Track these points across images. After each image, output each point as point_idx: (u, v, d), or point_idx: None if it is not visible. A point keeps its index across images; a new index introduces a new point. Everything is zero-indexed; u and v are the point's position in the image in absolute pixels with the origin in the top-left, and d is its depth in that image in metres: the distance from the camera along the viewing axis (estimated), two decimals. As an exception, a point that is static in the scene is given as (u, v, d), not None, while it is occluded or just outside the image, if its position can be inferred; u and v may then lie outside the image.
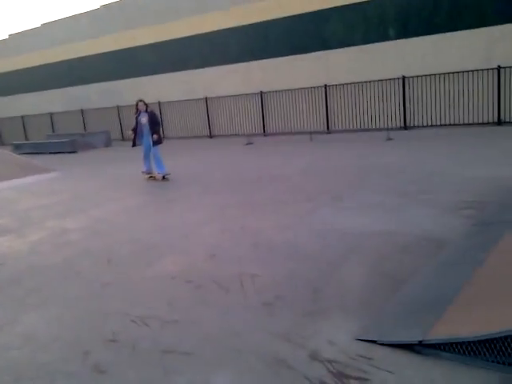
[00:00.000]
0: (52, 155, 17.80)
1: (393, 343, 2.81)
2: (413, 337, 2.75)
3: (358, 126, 14.72)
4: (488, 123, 12.67)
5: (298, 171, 8.98)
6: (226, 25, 17.17)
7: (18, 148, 19.72)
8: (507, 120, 12.45)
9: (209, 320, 3.36)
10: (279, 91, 16.36)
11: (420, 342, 2.70)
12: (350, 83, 14.78)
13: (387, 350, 2.79)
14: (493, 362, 2.48)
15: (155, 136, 9.13)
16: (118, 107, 20.81)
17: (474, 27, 12.67)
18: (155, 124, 9.31)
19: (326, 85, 15.24)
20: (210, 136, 18.47)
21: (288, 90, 16.13)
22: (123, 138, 20.63)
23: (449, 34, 13.07)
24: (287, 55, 16.08)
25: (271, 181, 8.29)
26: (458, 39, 12.95)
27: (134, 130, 9.41)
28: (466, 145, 10.06)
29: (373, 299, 3.41)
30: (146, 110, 9.27)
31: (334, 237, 4.91)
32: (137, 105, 9.36)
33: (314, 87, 15.54)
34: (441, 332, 2.70)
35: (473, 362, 2.54)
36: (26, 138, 25.20)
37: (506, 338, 2.42)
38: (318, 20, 15.16)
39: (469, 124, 12.93)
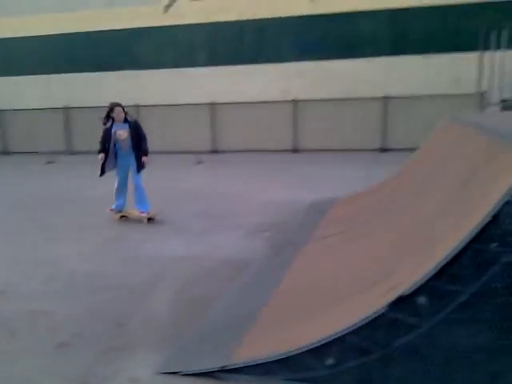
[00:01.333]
0: None
1: (196, 372, 2.78)
2: (215, 364, 2.77)
3: (169, 149, 14.80)
4: (287, 150, 14.02)
5: (105, 194, 8.53)
6: (24, 33, 15.66)
7: None
8: (301, 148, 13.96)
9: (-12, 372, 2.88)
10: (87, 108, 15.48)
11: (222, 367, 2.73)
12: (162, 105, 14.82)
13: (191, 380, 2.75)
14: (289, 379, 2.64)
15: (144, 159, 6.46)
16: None
17: (274, 62, 13.98)
18: (141, 139, 6.46)
19: (136, 105, 14.99)
20: (5, 152, 16.45)
21: (95, 107, 15.37)
22: None
23: (252, 66, 14.16)
24: (94, 71, 15.38)
25: (62, 204, 7.72)
26: (261, 71, 14.12)
27: (103, 150, 6.41)
28: (271, 169, 10.92)
29: (178, 328, 3.36)
30: (126, 120, 6.37)
31: (141, 264, 4.75)
32: (110, 111, 6.30)
33: (125, 106, 15.11)
34: (242, 355, 2.78)
35: (270, 381, 2.66)
36: None
37: (299, 355, 2.60)
38: (129, 38, 14.90)
39: (269, 150, 14.08)
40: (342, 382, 2.53)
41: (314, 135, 13.94)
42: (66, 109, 15.67)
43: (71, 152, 15.50)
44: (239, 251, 5.06)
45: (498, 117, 5.23)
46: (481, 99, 8.02)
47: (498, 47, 6.64)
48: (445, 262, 2.30)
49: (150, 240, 5.59)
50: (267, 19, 13.78)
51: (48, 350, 3.13)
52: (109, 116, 6.31)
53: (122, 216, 6.64)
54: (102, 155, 6.39)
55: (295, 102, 13.83)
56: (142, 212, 6.42)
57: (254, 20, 13.89)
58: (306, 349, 2.56)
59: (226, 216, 6.62)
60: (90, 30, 15.17)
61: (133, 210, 6.60)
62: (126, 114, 6.39)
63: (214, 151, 14.65)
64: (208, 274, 4.40)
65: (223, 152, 14.59)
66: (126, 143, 6.34)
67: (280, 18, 13.70)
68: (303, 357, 2.59)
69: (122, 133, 6.30)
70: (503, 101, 7.62)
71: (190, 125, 14.81)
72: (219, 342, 3.05)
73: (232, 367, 2.72)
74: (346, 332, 2.47)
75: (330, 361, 2.53)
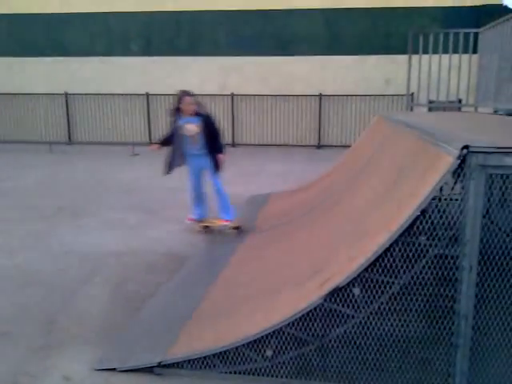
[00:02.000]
0: None
1: (133, 368, 2.74)
2: (152, 359, 2.73)
3: (104, 139, 14.29)
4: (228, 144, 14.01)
5: (32, 185, 8.11)
6: None
7: None
8: (238, 142, 14.01)
9: None
10: (11, 94, 14.59)
11: (159, 363, 2.70)
12: (95, 94, 14.26)
13: (128, 376, 2.70)
14: (226, 372, 2.66)
15: (221, 157, 5.33)
16: None
17: (210, 55, 13.87)
18: (215, 135, 5.31)
19: (66, 93, 14.33)
20: None
21: (22, 94, 14.54)
22: None
23: (189, 58, 13.97)
24: (19, 56, 14.49)
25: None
26: (198, 64, 13.96)
27: (167, 142, 5.46)
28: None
29: (114, 325, 3.28)
30: (198, 113, 5.24)
31: (74, 259, 4.58)
32: (179, 102, 5.20)
33: (54, 94, 14.42)
34: (179, 350, 2.76)
35: (209, 375, 2.67)
36: None
37: (236, 348, 2.62)
38: (57, 23, 14.17)
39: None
40: (281, 373, 2.59)
41: (251, 130, 14.03)
42: (-11, 94, 14.68)
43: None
44: (177, 246, 5.00)
45: (425, 116, 5.54)
46: (410, 100, 8.45)
47: (425, 51, 7.03)
48: (377, 254, 2.41)
49: (83, 234, 5.38)
50: (204, 11, 13.64)
51: (-29, 352, 2.95)
52: (178, 108, 5.21)
53: (205, 226, 5.51)
54: (156, 146, 5.54)
55: (233, 96, 13.83)
56: (227, 220, 5.43)
57: (191, 11, 13.69)
58: (245, 342, 2.60)
59: (162, 210, 6.52)
60: (15, 13, 14.28)
61: (215, 219, 5.54)
62: (197, 105, 5.27)
63: (151, 143, 14.32)
64: (145, 270, 4.32)
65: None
66: (196, 140, 5.22)
67: (217, 12, 13.62)
68: (242, 349, 2.62)
69: (191, 127, 5.19)
70: (430, 102, 8.07)
71: (125, 115, 14.38)
72: (156, 337, 3.01)
73: (170, 362, 2.70)
74: (284, 324, 2.53)
75: (268, 352, 2.58)
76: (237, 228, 5.34)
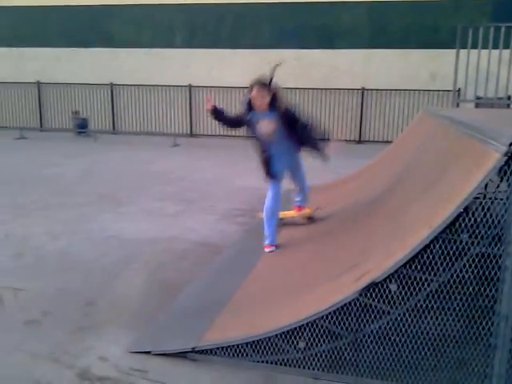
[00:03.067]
0: None
1: (167, 352, 2.79)
2: (186, 344, 2.78)
3: (147, 129, 14.59)
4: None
5: (77, 173, 8.38)
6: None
7: None
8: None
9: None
10: (59, 84, 15.08)
11: (193, 348, 2.75)
12: (138, 85, 14.56)
13: (162, 360, 2.76)
14: (258, 361, 2.68)
15: (330, 144, 4.29)
16: None
17: (253, 48, 13.87)
18: (302, 129, 4.22)
19: (111, 83, 14.69)
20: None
21: (68, 83, 15.00)
22: None
23: (231, 51, 14.02)
24: (67, 47, 14.94)
25: (40, 182, 7.53)
26: (240, 56, 14.00)
27: (221, 117, 4.41)
28: (248, 155, 10.86)
29: (149, 310, 3.35)
30: (275, 106, 4.21)
31: (112, 244, 4.70)
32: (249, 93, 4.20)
33: (99, 84, 14.82)
34: (213, 337, 2.79)
35: (240, 363, 2.69)
36: None
37: (268, 338, 2.63)
38: (104, 15, 14.51)
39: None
40: (313, 365, 2.58)
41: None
42: (38, 84, 15.23)
43: (43, 128, 15.09)
44: (213, 235, 5.05)
45: (472, 112, 5.36)
46: (456, 96, 8.19)
47: (474, 45, 6.77)
48: (416, 250, 2.36)
49: (123, 221, 5.52)
50: (247, 4, 13.64)
51: (17, 327, 3.08)
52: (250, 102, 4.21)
53: (281, 218, 4.82)
54: (210, 104, 4.28)
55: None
56: (300, 207, 4.95)
57: (234, 4, 13.71)
58: (278, 332, 2.60)
59: (199, 200, 6.59)
60: (65, 4, 14.72)
61: (288, 211, 5.08)
62: (273, 97, 4.23)
63: (191, 135, 14.51)
64: (180, 257, 4.39)
65: (200, 136, 14.46)
66: (273, 139, 4.20)
67: (260, 4, 13.58)
68: (274, 340, 2.63)
69: (265, 124, 4.16)
70: (478, 98, 7.80)
71: (167, 107, 14.61)
72: (190, 324, 3.05)
73: (203, 348, 2.74)
74: (318, 316, 2.51)
75: (301, 344, 2.58)
76: (311, 218, 4.90)
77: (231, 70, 14.07)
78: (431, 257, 2.35)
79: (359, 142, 13.39)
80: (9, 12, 15.14)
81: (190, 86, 14.26)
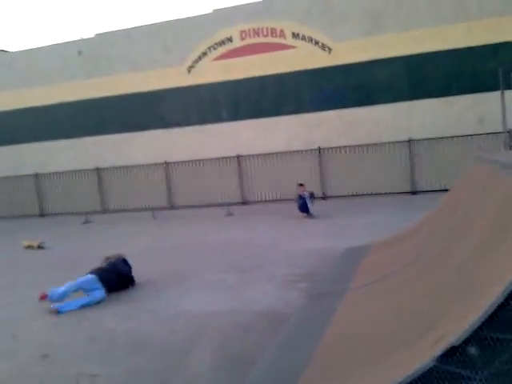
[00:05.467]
0: None
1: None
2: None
3: (200, 202, 15.06)
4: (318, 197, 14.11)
5: (139, 251, 8.69)
6: (57, 99, 16.59)
7: None
8: (329, 194, 14.01)
9: None
10: (118, 167, 16.05)
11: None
12: (190, 160, 15.24)
13: None
14: None
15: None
16: None
17: (295, 113, 14.33)
18: None
19: (166, 161, 15.47)
20: (42, 214, 17.02)
21: (126, 166, 15.94)
22: None
23: (275, 118, 14.54)
24: (123, 132, 16.04)
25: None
26: (284, 123, 14.46)
27: None
28: (299, 218, 10.94)
29: (222, 387, 3.34)
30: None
31: (179, 321, 4.78)
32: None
33: (154, 164, 15.64)
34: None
35: None
36: None
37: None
38: (155, 99, 15.57)
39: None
40: None
41: (340, 182, 14.01)
42: (98, 170, 16.27)
43: (105, 211, 15.91)
44: (275, 304, 5.04)
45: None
46: (507, 138, 8.01)
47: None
48: (492, 309, 2.27)
49: (185, 296, 5.62)
50: (287, 73, 14.26)
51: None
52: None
53: None
54: None
55: (320, 150, 14.03)
56: None
57: (274, 75, 14.37)
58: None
59: (259, 268, 6.63)
60: (118, 94, 15.94)
61: None
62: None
63: (243, 202, 14.83)
64: (246, 329, 4.39)
65: (252, 203, 14.74)
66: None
67: (299, 72, 14.16)
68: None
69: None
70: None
71: (218, 178, 15.12)
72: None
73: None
74: (396, 386, 2.42)
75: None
76: None
77: (275, 136, 14.52)
78: (509, 315, 2.25)
79: (414, 193, 13.20)
80: (69, 107, 16.54)
81: (238, 156, 14.76)
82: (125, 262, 6.33)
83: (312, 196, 10.92)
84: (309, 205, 10.76)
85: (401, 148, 13.35)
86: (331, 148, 13.98)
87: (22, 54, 17.21)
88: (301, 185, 11.30)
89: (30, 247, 10.31)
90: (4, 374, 3.87)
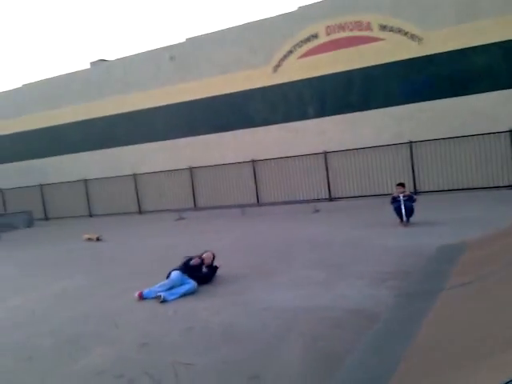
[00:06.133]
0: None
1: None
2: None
3: (286, 199, 15.20)
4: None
5: (229, 246, 8.99)
6: (151, 104, 17.60)
7: None
8: (422, 189, 13.45)
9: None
10: (208, 166, 16.70)
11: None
12: (277, 158, 15.43)
13: None
14: None
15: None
16: (40, 186, 20.11)
17: (384, 107, 13.93)
18: None
19: (253, 160, 15.79)
20: (140, 212, 18.19)
21: (217, 165, 16.53)
22: (46, 218, 19.89)
23: (361, 113, 14.24)
24: (213, 133, 16.63)
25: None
26: (371, 117, 14.12)
27: None
28: (390, 214, 10.63)
29: (313, 383, 3.39)
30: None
31: (268, 315, 4.89)
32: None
33: (242, 162, 16.04)
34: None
35: None
36: None
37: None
38: (242, 99, 15.95)
39: (387, 194, 13.78)
40: None
41: (433, 176, 13.40)
42: (191, 169, 17.03)
43: (197, 208, 16.63)
44: (364, 301, 4.97)
45: None
46: None
47: None
48: None
49: (274, 291, 5.73)
50: (374, 66, 13.90)
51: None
52: None
53: None
54: None
55: (411, 143, 13.51)
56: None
57: (361, 68, 14.08)
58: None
59: (346, 264, 6.56)
60: (207, 96, 16.55)
61: None
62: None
63: (330, 199, 14.72)
64: (335, 326, 4.39)
65: (339, 199, 14.59)
66: None
67: (387, 64, 13.73)
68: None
69: None
70: None
71: (305, 175, 15.15)
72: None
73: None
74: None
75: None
76: None
77: (363, 131, 14.22)
78: None
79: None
80: (162, 110, 17.48)
81: (325, 153, 14.66)
82: (202, 264, 6.49)
83: (410, 199, 9.10)
84: (403, 210, 8.98)
85: (500, 139, 12.46)
86: (422, 141, 13.40)
87: (119, 62, 18.50)
88: (400, 185, 9.43)
89: (89, 240, 11.78)
90: (109, 358, 4.22)
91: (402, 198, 9.03)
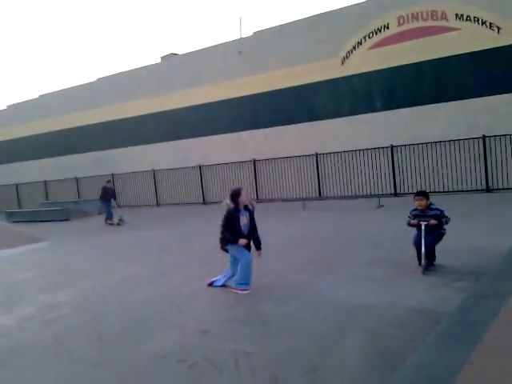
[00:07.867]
0: (44, 223, 17.72)
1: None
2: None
3: (350, 193, 14.95)
4: (476, 190, 12.94)
5: (289, 241, 8.99)
6: (218, 97, 17.88)
7: (10, 216, 19.65)
8: (495, 187, 12.73)
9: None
10: (271, 159, 16.75)
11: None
12: (340, 152, 15.19)
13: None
14: None
15: None
16: (112, 175, 21.11)
17: (457, 99, 13.28)
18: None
19: (316, 153, 15.65)
20: (204, 202, 18.62)
21: (279, 158, 16.54)
22: (118, 206, 20.86)
23: (433, 106, 13.66)
24: (277, 125, 16.62)
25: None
26: (442, 110, 13.51)
27: None
28: (461, 212, 10.15)
29: (373, 379, 3.33)
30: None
31: (328, 310, 4.85)
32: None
33: (305, 155, 15.94)
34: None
35: None
36: (20, 206, 25.20)
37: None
38: (306, 92, 15.82)
39: (457, 191, 13.19)
40: None
41: (508, 173, 12.62)
42: (253, 161, 17.16)
43: (259, 200, 16.76)
44: (428, 301, 4.81)
45: None
46: None
47: None
48: None
49: (335, 287, 5.67)
50: (449, 57, 13.27)
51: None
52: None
53: None
54: None
55: (484, 138, 12.80)
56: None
57: (434, 59, 13.49)
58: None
59: (409, 262, 6.35)
60: (272, 89, 16.57)
61: None
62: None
63: (395, 194, 14.30)
64: (397, 324, 4.28)
65: (404, 195, 14.14)
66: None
67: (463, 54, 13.06)
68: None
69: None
70: None
71: (369, 169, 14.80)
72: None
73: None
74: None
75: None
76: None
77: (434, 124, 13.66)
78: None
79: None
80: (228, 104, 17.72)
81: (392, 147, 14.24)
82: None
83: (439, 228, 6.00)
84: (422, 249, 5.82)
85: None
86: (498, 136, 12.65)
87: (189, 56, 18.95)
88: (420, 194, 6.20)
89: (110, 225, 13.98)
90: (173, 344, 4.37)
91: (423, 226, 5.98)
